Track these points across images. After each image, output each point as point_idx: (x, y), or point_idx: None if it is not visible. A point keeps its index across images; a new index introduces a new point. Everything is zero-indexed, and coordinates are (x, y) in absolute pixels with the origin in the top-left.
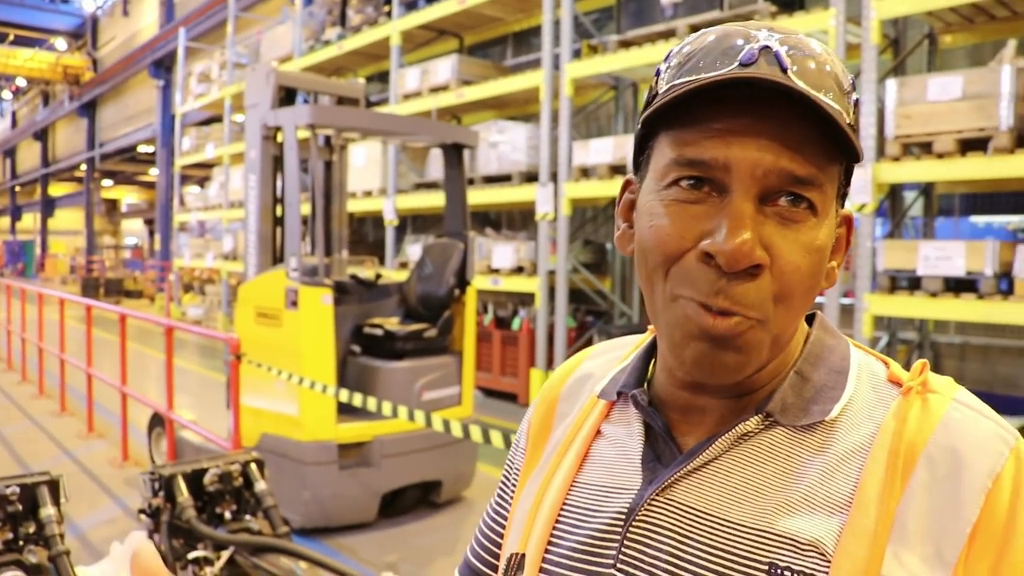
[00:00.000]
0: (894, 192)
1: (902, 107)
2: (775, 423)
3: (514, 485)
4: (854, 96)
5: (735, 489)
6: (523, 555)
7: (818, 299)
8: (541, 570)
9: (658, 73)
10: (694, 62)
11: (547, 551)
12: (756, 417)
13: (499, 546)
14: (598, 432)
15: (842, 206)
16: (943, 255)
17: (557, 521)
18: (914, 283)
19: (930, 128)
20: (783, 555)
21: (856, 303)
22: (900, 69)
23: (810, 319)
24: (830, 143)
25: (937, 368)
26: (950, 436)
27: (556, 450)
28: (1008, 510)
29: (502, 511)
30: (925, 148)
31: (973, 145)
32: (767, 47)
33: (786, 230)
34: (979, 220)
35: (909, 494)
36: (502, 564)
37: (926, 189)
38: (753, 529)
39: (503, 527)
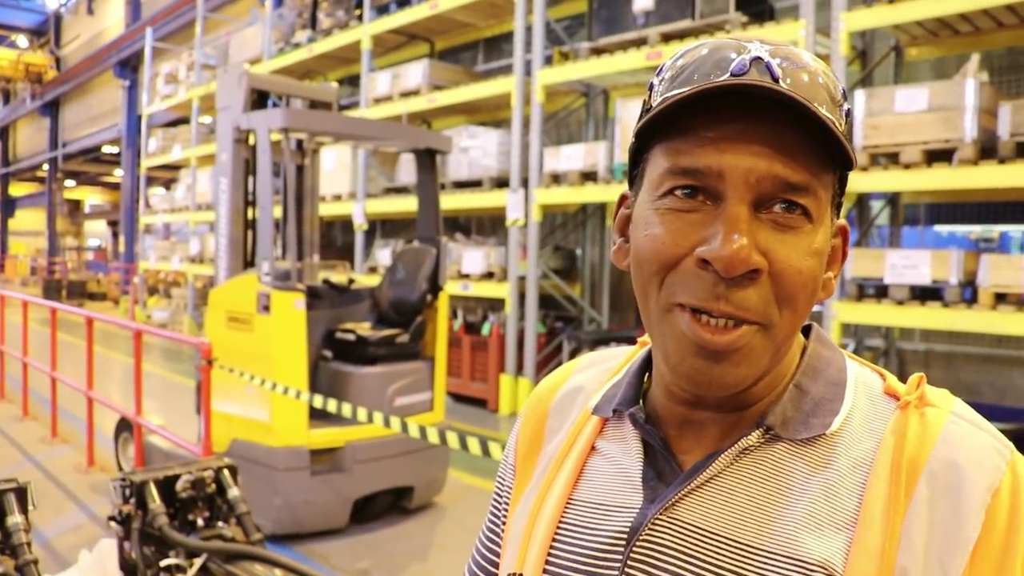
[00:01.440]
0: (861, 201)
1: (870, 118)
2: (776, 437)
3: (507, 503)
4: (846, 106)
5: (739, 507)
6: (520, 575)
7: None
8: None
9: (651, 87)
10: (687, 74)
11: (545, 570)
12: (757, 431)
13: (497, 566)
14: (592, 448)
15: (837, 216)
16: (909, 264)
17: (554, 540)
18: (881, 291)
19: (897, 139)
20: None
21: (824, 310)
22: (868, 80)
23: (806, 331)
24: (823, 151)
25: (902, 375)
26: (950, 450)
27: (549, 466)
28: (1006, 525)
29: (496, 529)
30: (892, 158)
31: (938, 156)
32: (758, 58)
33: (783, 235)
34: (943, 229)
35: (913, 510)
36: None
37: (892, 199)
38: (759, 550)
39: (499, 546)
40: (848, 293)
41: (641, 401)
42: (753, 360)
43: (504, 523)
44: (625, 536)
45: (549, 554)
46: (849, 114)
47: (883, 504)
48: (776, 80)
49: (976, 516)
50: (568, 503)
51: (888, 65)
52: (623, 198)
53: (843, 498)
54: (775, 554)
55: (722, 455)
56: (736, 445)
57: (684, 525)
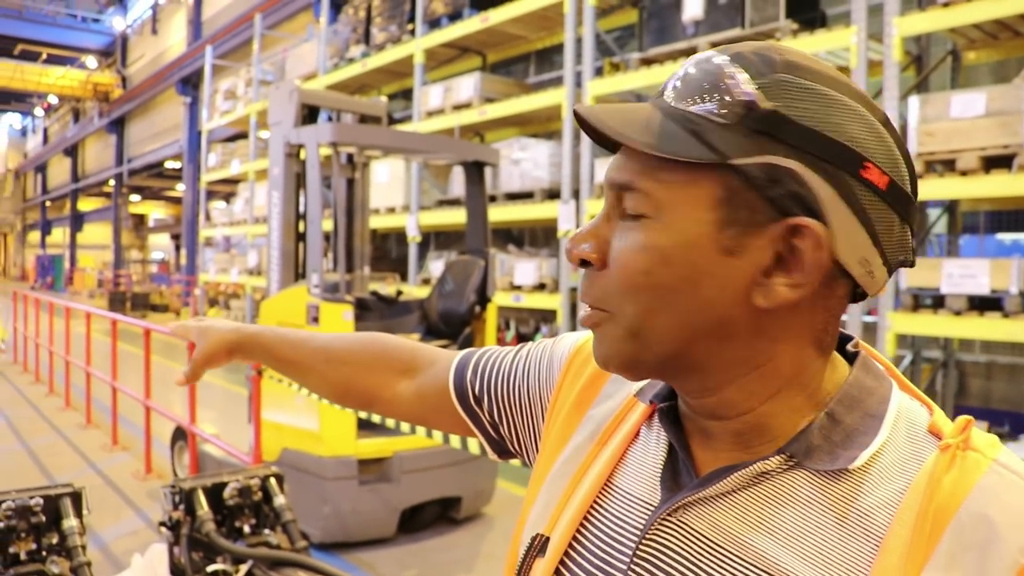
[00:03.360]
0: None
1: (925, 124)
2: (798, 465)
3: (538, 404)
4: (745, 96)
5: (749, 527)
6: (547, 539)
7: (842, 317)
8: (561, 562)
9: None
10: None
11: (570, 546)
12: (778, 458)
13: (482, 392)
14: (636, 435)
15: (780, 213)
16: (967, 273)
17: (585, 519)
18: (938, 301)
19: (953, 145)
20: None
21: (879, 321)
22: (923, 86)
23: (854, 358)
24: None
25: (963, 387)
26: (984, 502)
27: (595, 438)
28: None
29: (520, 371)
30: (948, 165)
31: (997, 162)
32: (675, 75)
33: (623, 232)
34: (1005, 238)
35: (933, 563)
36: (525, 538)
37: (950, 206)
38: (761, 571)
39: (502, 384)
40: (903, 303)
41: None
42: (608, 342)
43: (521, 397)
44: (639, 531)
45: (578, 531)
46: (750, 105)
47: (902, 553)
48: (662, 92)
49: None
50: (605, 486)
51: (945, 70)
52: None
53: (859, 540)
54: None
55: (738, 473)
56: (754, 466)
57: (691, 531)
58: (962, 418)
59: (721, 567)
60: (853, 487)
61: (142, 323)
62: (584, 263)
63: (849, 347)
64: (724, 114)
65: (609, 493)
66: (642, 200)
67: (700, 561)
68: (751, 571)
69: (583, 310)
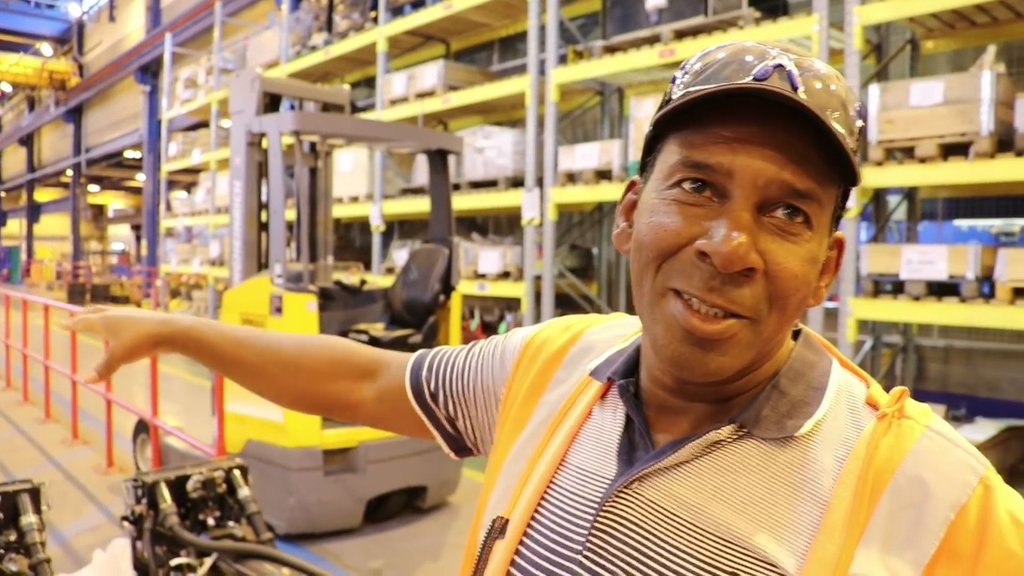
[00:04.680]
0: (878, 196)
1: (884, 112)
2: (748, 434)
3: (492, 396)
4: (859, 123)
5: (703, 495)
6: (507, 521)
7: None
8: (521, 542)
9: (674, 80)
10: (711, 72)
11: (529, 525)
12: (729, 427)
13: (437, 388)
14: (589, 414)
15: (836, 228)
16: (925, 259)
17: (542, 498)
18: (898, 287)
19: (912, 133)
20: (745, 569)
21: (840, 307)
22: (883, 74)
23: (796, 335)
24: (831, 164)
25: (921, 371)
26: (918, 465)
27: (549, 420)
28: (973, 544)
29: (464, 381)
30: (907, 153)
31: (955, 150)
32: (781, 65)
33: (782, 239)
34: (963, 224)
35: (873, 523)
36: (485, 523)
37: (909, 193)
38: (716, 536)
39: (451, 386)
40: (864, 289)
41: (636, 376)
42: (737, 351)
43: (472, 394)
44: (596, 504)
45: (536, 510)
46: (863, 132)
47: (845, 515)
48: (795, 89)
49: (934, 533)
50: (560, 465)
51: (904, 58)
52: (632, 183)
53: (805, 503)
54: (728, 543)
55: (691, 443)
56: (706, 436)
57: (646, 501)
58: (896, 389)
59: (677, 535)
60: (799, 454)
61: None
62: (746, 271)
63: None
64: (854, 138)
65: (565, 471)
66: (815, 210)
67: (656, 530)
68: (706, 537)
69: (711, 319)
